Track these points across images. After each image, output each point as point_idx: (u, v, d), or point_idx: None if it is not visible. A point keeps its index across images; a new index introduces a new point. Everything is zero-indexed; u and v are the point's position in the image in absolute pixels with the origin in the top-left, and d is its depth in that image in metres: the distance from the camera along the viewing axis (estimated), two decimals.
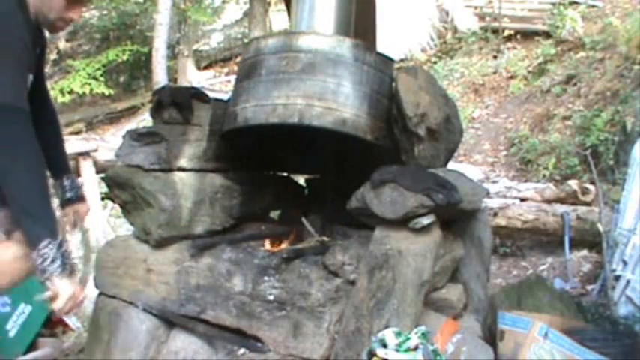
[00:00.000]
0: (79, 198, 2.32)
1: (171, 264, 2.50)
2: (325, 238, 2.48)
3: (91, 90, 10.29)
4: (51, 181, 2.11)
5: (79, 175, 5.68)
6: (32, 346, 3.43)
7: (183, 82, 10.75)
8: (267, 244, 2.52)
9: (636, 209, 3.51)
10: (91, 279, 2.79)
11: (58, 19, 1.88)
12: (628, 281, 3.38)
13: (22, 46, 1.72)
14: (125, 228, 4.79)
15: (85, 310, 3.77)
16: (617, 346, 2.64)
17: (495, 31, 8.71)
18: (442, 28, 9.46)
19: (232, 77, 6.02)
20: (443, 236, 2.26)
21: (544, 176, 5.70)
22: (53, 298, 1.70)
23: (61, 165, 2.24)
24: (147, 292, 2.53)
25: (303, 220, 2.57)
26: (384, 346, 1.96)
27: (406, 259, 2.10)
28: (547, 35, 8.12)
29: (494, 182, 5.64)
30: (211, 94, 2.82)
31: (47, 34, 2.02)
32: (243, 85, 2.48)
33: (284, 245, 2.53)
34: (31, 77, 1.87)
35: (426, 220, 2.14)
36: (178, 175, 2.52)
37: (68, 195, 2.26)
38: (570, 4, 8.13)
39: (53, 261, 1.67)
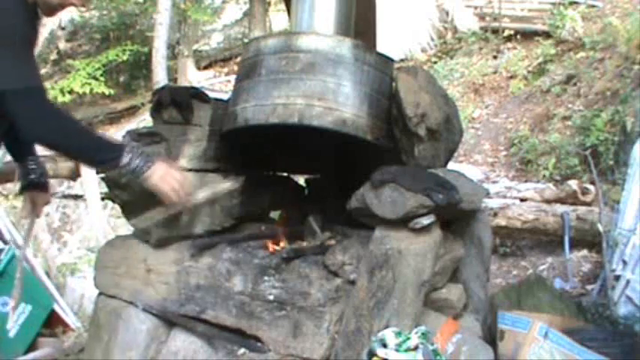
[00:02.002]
0: (41, 184, 2.36)
1: (171, 264, 2.50)
2: (329, 236, 2.48)
3: (91, 90, 10.29)
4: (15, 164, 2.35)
5: (78, 175, 5.69)
6: (32, 346, 3.43)
7: (183, 82, 10.74)
8: (268, 245, 2.51)
9: (636, 209, 3.51)
10: (91, 279, 2.79)
11: (59, 4, 1.90)
12: (628, 281, 3.38)
13: (27, 32, 1.86)
14: (125, 228, 4.79)
15: (85, 310, 3.78)
16: (617, 346, 2.64)
17: (495, 31, 8.71)
18: (442, 28, 9.46)
19: (232, 77, 6.03)
20: (443, 236, 2.26)
21: (544, 176, 5.70)
22: (160, 182, 2.06)
23: (24, 146, 2.30)
24: (147, 292, 2.53)
25: (310, 219, 2.57)
26: (384, 346, 1.96)
27: (406, 259, 2.10)
28: (547, 35, 8.12)
29: (494, 182, 5.64)
30: (211, 94, 2.82)
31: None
32: (243, 85, 2.48)
33: (283, 244, 2.52)
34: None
35: (426, 220, 2.14)
36: None
37: (31, 176, 2.32)
38: (570, 4, 8.13)
39: (139, 158, 2.02)
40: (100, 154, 2.01)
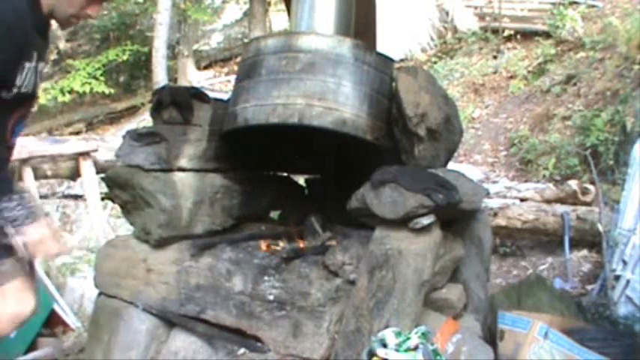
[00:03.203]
0: (33, 216, 1.99)
1: (172, 264, 2.50)
2: (330, 236, 2.48)
3: (91, 89, 10.30)
4: None
5: (78, 175, 5.70)
6: (32, 346, 3.43)
7: (183, 82, 10.75)
8: (264, 246, 2.52)
9: (636, 209, 3.51)
10: (91, 279, 2.79)
11: (74, 15, 1.89)
12: (628, 281, 3.38)
13: (23, 39, 1.73)
14: (125, 228, 4.79)
15: (85, 310, 3.77)
16: (617, 346, 2.64)
17: (495, 31, 8.71)
18: (442, 28, 9.47)
19: (232, 77, 6.02)
20: (443, 236, 2.26)
21: (544, 176, 5.70)
22: (28, 245, 1.76)
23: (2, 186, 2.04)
24: (147, 292, 2.53)
25: (312, 219, 2.57)
26: (384, 346, 1.96)
27: (406, 259, 2.10)
28: (547, 35, 8.12)
29: (494, 182, 5.64)
30: (211, 94, 2.82)
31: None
32: (243, 85, 2.48)
33: (283, 244, 2.52)
34: (42, 65, 1.88)
35: (426, 220, 2.14)
36: (178, 175, 2.52)
37: (17, 213, 1.95)
38: (570, 4, 8.13)
39: (17, 208, 1.73)
40: None
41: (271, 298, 2.25)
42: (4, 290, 1.80)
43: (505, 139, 6.77)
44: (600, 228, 3.84)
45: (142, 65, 11.63)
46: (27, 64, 1.81)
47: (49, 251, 1.83)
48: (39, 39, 1.85)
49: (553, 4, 8.36)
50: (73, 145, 5.69)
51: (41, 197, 5.66)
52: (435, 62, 8.91)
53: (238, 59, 8.26)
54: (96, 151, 5.60)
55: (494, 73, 8.11)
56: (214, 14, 12.68)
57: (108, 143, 5.94)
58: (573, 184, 4.98)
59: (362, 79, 2.39)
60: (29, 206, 1.77)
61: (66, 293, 4.08)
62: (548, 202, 4.86)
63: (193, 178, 2.55)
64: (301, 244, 2.52)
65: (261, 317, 2.25)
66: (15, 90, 1.76)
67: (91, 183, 5.52)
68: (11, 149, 1.90)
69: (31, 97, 1.88)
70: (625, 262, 3.46)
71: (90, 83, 10.25)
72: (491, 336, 2.60)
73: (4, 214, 1.73)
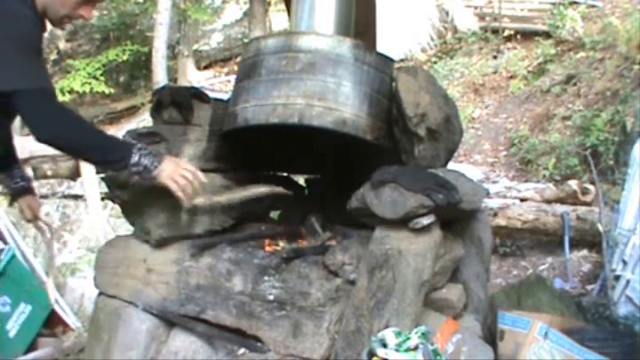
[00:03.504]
0: (31, 189, 2.42)
1: (172, 264, 2.50)
2: (330, 236, 2.48)
3: (91, 89, 10.30)
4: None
5: (78, 175, 5.69)
6: (32, 346, 3.43)
7: (183, 82, 10.75)
8: (267, 243, 2.51)
9: (636, 209, 3.51)
10: (91, 279, 2.79)
11: (67, 15, 1.90)
12: (628, 281, 3.38)
13: (38, 40, 1.90)
14: (125, 228, 4.79)
15: (85, 310, 3.78)
16: (617, 346, 2.64)
17: (495, 31, 8.71)
18: (442, 28, 9.47)
19: (232, 77, 6.02)
20: (443, 236, 2.26)
21: (544, 176, 5.70)
22: (169, 180, 2.07)
23: (9, 157, 2.35)
24: (147, 292, 2.53)
25: (312, 219, 2.57)
26: (384, 346, 1.96)
27: (406, 259, 2.10)
28: (547, 35, 8.12)
29: (494, 182, 5.64)
30: (211, 94, 2.82)
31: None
32: (243, 85, 2.48)
33: (283, 244, 2.52)
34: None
35: (426, 220, 2.14)
36: None
37: (21, 183, 2.36)
38: (570, 4, 8.14)
39: (147, 157, 2.02)
40: (109, 155, 2.02)
41: (271, 298, 2.25)
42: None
43: (505, 139, 6.78)
44: (600, 228, 3.84)
45: (142, 65, 11.63)
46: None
47: (187, 177, 2.10)
48: (40, 40, 1.89)
49: (553, 4, 8.36)
50: None
51: (41, 197, 5.66)
52: (435, 62, 8.91)
53: (238, 59, 8.26)
54: None
55: (494, 73, 8.11)
56: (214, 14, 12.68)
57: None
58: (573, 184, 4.98)
59: (362, 79, 2.39)
60: (148, 152, 2.04)
61: (66, 293, 4.08)
62: (548, 202, 4.86)
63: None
64: (301, 244, 2.52)
65: (261, 317, 2.25)
66: None
67: (91, 183, 5.52)
68: None
69: None
70: (625, 262, 3.46)
71: (90, 83, 10.26)
72: (491, 336, 2.60)
73: (133, 169, 2.01)
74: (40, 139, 1.98)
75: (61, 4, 1.86)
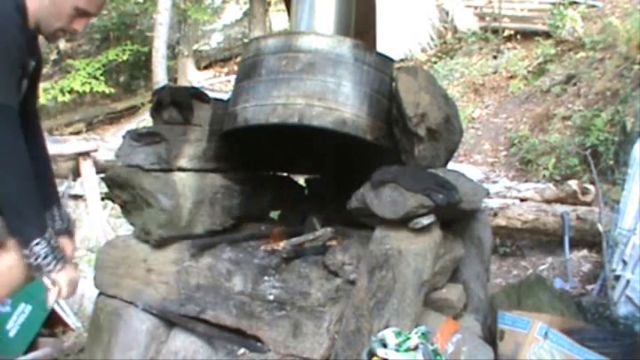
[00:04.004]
0: (68, 231, 2.17)
1: (171, 264, 2.50)
2: (330, 236, 2.47)
3: (91, 89, 10.30)
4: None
5: (78, 175, 5.69)
6: (32, 346, 3.43)
7: (183, 82, 10.74)
8: (275, 237, 2.51)
9: (636, 209, 3.50)
10: (91, 279, 2.79)
11: (60, 29, 1.86)
12: (628, 281, 3.37)
13: (16, 47, 1.70)
14: (125, 228, 4.79)
15: (85, 310, 3.77)
16: (617, 346, 2.64)
17: (495, 31, 8.71)
18: (442, 28, 9.46)
19: (232, 77, 6.02)
20: (443, 236, 2.26)
21: (544, 176, 5.69)
22: (53, 291, 1.79)
23: (50, 195, 2.10)
24: (147, 292, 2.53)
25: (313, 219, 2.57)
26: (384, 346, 1.96)
27: (406, 259, 2.10)
28: (547, 35, 8.12)
29: (494, 182, 5.64)
30: (211, 94, 2.82)
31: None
32: (243, 85, 2.48)
33: (283, 244, 2.52)
34: (25, 83, 1.84)
35: (426, 220, 2.14)
36: (178, 175, 2.52)
37: (58, 225, 2.09)
38: (570, 4, 8.13)
39: (46, 257, 1.73)
40: (19, 221, 1.71)
41: (271, 298, 2.25)
42: None
43: (505, 139, 6.77)
44: (600, 228, 3.84)
45: (142, 65, 11.62)
46: (24, 82, 1.80)
47: (72, 294, 1.86)
48: (26, 55, 1.83)
49: (553, 4, 8.36)
50: (73, 145, 5.68)
51: None
52: (435, 62, 8.91)
53: (238, 59, 8.26)
54: (96, 151, 5.60)
55: (494, 73, 8.11)
56: (214, 14, 12.67)
57: (108, 143, 5.94)
58: (573, 184, 4.98)
59: (362, 79, 2.39)
60: (53, 251, 1.75)
61: None
62: (548, 202, 4.86)
63: (193, 178, 2.55)
64: (301, 244, 2.51)
65: (261, 317, 2.25)
66: None
67: (91, 183, 5.52)
68: None
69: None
70: (625, 262, 3.46)
71: (90, 83, 10.25)
72: (491, 336, 2.60)
73: (28, 255, 1.72)
74: None
75: (55, 19, 1.81)
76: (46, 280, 1.77)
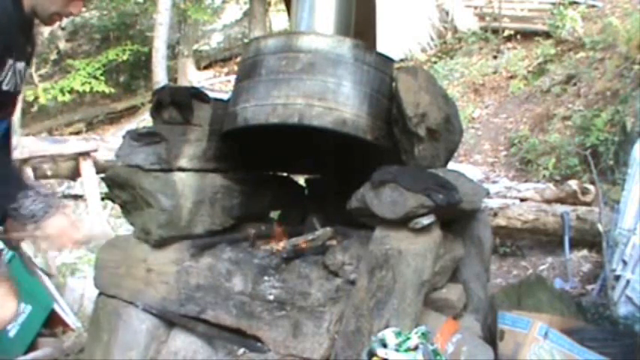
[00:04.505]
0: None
1: (171, 264, 2.50)
2: (330, 235, 2.47)
3: (92, 89, 10.30)
4: None
5: (78, 175, 5.70)
6: (32, 346, 3.43)
7: (183, 82, 10.74)
8: (268, 244, 2.51)
9: (636, 209, 3.50)
10: (91, 279, 2.79)
11: (56, 12, 1.88)
12: (628, 281, 3.37)
13: (6, 32, 1.73)
14: (125, 228, 4.79)
15: (85, 310, 3.77)
16: (617, 346, 2.64)
17: (495, 31, 8.71)
18: (442, 28, 9.46)
19: (232, 77, 6.03)
20: (443, 236, 2.26)
21: (544, 176, 5.70)
22: (48, 238, 1.81)
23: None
24: (147, 292, 2.53)
25: (313, 219, 2.57)
26: (384, 346, 1.96)
27: (406, 259, 2.10)
28: (547, 35, 8.12)
29: (494, 182, 5.64)
30: (211, 94, 2.82)
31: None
32: (243, 85, 2.48)
33: (283, 244, 2.52)
34: (22, 65, 1.87)
35: (426, 220, 2.14)
36: (178, 175, 2.52)
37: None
38: (570, 4, 8.14)
39: (34, 205, 1.76)
40: (2, 184, 1.79)
41: (271, 298, 2.25)
42: None
43: (505, 139, 6.77)
44: (600, 228, 3.84)
45: (142, 65, 11.62)
46: (9, 61, 1.80)
47: (69, 242, 1.86)
48: (21, 37, 1.84)
49: (553, 4, 8.36)
50: (73, 145, 5.69)
51: None
52: (435, 62, 8.91)
53: (238, 59, 8.26)
54: (96, 151, 5.61)
55: (494, 73, 8.11)
56: (214, 14, 12.66)
57: (108, 143, 5.95)
58: (573, 184, 4.98)
59: (362, 79, 2.39)
60: (45, 199, 1.79)
61: (66, 293, 4.08)
62: (548, 202, 4.86)
63: (193, 178, 2.55)
64: (301, 244, 2.51)
65: (261, 317, 2.25)
66: None
67: (91, 183, 5.52)
68: None
69: (13, 95, 1.87)
70: (625, 262, 3.46)
71: (90, 83, 10.25)
72: (491, 336, 2.60)
73: (21, 212, 1.75)
74: None
75: (50, 2, 1.84)
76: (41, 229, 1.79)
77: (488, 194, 3.11)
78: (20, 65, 1.86)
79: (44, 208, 1.78)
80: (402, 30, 8.81)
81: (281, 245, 2.49)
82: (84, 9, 2.10)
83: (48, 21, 1.92)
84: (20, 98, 1.95)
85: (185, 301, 2.44)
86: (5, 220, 1.98)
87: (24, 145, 5.25)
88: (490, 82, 7.98)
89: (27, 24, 1.88)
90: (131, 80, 12.20)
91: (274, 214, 3.13)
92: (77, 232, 1.87)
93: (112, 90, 10.64)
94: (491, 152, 6.70)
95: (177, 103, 2.58)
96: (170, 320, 2.50)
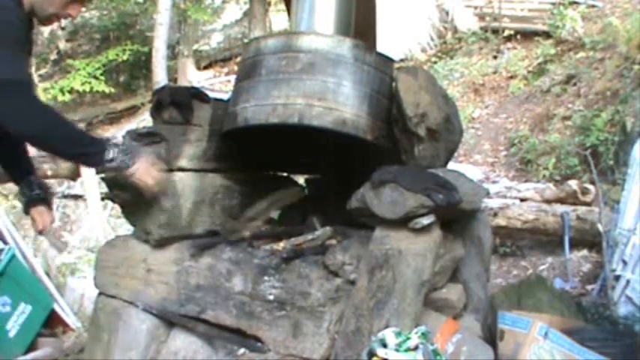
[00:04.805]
0: (45, 200, 2.35)
1: (171, 264, 2.50)
2: (329, 235, 2.47)
3: (92, 88, 10.30)
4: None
5: (78, 175, 5.70)
6: (32, 346, 3.43)
7: (183, 82, 10.74)
8: (267, 244, 2.51)
9: (636, 209, 3.50)
10: (91, 279, 2.79)
11: (54, 14, 1.88)
12: (628, 281, 3.38)
13: (20, 33, 1.85)
14: (125, 228, 4.79)
15: (85, 310, 3.78)
16: (617, 346, 2.64)
17: (495, 31, 8.71)
18: (442, 28, 9.46)
19: (232, 77, 6.03)
20: (443, 236, 2.26)
21: (544, 176, 5.69)
22: (143, 177, 2.16)
23: (27, 165, 2.33)
24: (147, 292, 2.53)
25: (313, 219, 2.57)
26: (384, 346, 1.96)
27: (406, 259, 2.10)
28: (547, 35, 8.12)
29: (494, 182, 5.64)
30: (211, 94, 2.82)
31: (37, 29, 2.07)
32: (243, 85, 2.48)
33: (283, 244, 2.52)
34: (30, 61, 1.98)
35: (426, 220, 2.14)
36: (178, 175, 2.52)
37: (36, 191, 2.32)
38: (570, 4, 8.14)
39: (123, 154, 2.07)
40: (85, 148, 2.03)
41: (271, 298, 2.25)
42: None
43: (505, 139, 6.77)
44: (600, 228, 3.84)
45: (142, 65, 11.62)
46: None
47: (155, 177, 2.21)
48: (25, 38, 1.87)
49: (553, 4, 8.36)
50: None
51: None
52: (435, 62, 8.91)
53: (238, 59, 8.26)
54: None
55: (494, 73, 8.11)
56: (214, 14, 12.66)
57: None
58: (573, 184, 4.98)
59: (362, 79, 2.39)
60: (124, 149, 2.09)
61: (66, 293, 4.08)
62: (548, 202, 4.86)
63: (193, 178, 2.55)
64: (301, 244, 2.51)
65: (261, 317, 2.25)
66: None
67: (91, 183, 5.52)
68: None
69: None
70: (625, 262, 3.46)
71: (90, 83, 10.25)
72: (492, 336, 2.60)
73: (108, 165, 2.05)
74: (16, 132, 1.94)
75: (49, 3, 1.85)
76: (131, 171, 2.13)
77: (488, 194, 3.11)
78: (30, 62, 1.93)
79: (129, 156, 2.09)
80: (402, 30, 8.81)
81: (281, 245, 2.48)
82: (83, 9, 2.18)
83: (45, 22, 1.93)
84: None
85: (185, 301, 2.44)
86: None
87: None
88: (490, 82, 7.98)
89: (27, 24, 1.89)
90: (131, 80, 12.20)
91: (274, 214, 3.13)
92: (156, 171, 2.22)
93: (112, 90, 10.64)
94: (491, 152, 6.70)
95: (177, 103, 2.58)
96: (170, 320, 2.50)
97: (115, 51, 11.05)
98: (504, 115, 7.27)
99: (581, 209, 4.61)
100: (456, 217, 2.46)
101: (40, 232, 2.39)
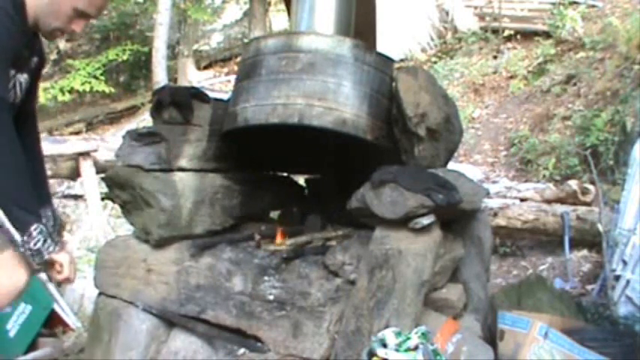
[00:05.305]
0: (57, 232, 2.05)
1: (171, 264, 2.50)
2: (329, 235, 2.48)
3: (92, 88, 10.30)
4: None
5: (78, 175, 5.69)
6: (32, 346, 3.43)
7: (183, 82, 10.74)
8: (265, 243, 2.51)
9: (636, 209, 3.50)
10: (91, 279, 2.79)
11: (58, 28, 1.86)
12: (628, 281, 3.37)
13: (7, 37, 1.71)
14: (125, 228, 4.79)
15: (85, 310, 3.77)
16: (617, 346, 2.64)
17: (495, 31, 8.71)
18: (442, 28, 9.46)
19: (232, 77, 6.03)
20: (443, 236, 2.26)
21: (544, 176, 5.69)
22: (58, 271, 1.85)
23: (43, 196, 2.07)
24: (147, 292, 2.53)
25: (314, 219, 2.57)
26: (384, 346, 1.96)
27: (406, 259, 2.10)
28: (547, 35, 8.12)
29: (494, 182, 5.64)
30: (211, 94, 2.82)
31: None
32: (243, 85, 2.48)
33: (283, 243, 2.52)
34: (25, 77, 1.86)
35: (426, 220, 2.14)
36: (178, 175, 2.52)
37: (49, 225, 1.97)
38: (570, 4, 8.14)
39: (45, 241, 1.78)
40: (19, 198, 1.72)
41: (271, 298, 2.25)
42: None
43: (505, 139, 6.77)
44: (600, 228, 3.84)
45: (142, 65, 11.63)
46: (12, 72, 1.79)
47: (70, 277, 1.89)
48: (24, 50, 1.83)
49: (553, 4, 8.36)
50: (73, 145, 5.68)
51: None
52: (435, 62, 8.91)
53: (238, 59, 8.26)
54: (96, 151, 5.60)
55: (494, 73, 8.11)
56: (214, 14, 12.67)
57: (108, 143, 5.94)
58: (573, 184, 4.98)
59: (362, 79, 2.39)
60: (49, 235, 1.80)
61: (66, 293, 4.08)
62: (548, 202, 4.86)
63: (193, 178, 2.55)
64: (301, 244, 2.51)
65: (261, 317, 2.25)
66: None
67: (91, 183, 5.52)
68: None
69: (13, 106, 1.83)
70: (625, 262, 3.46)
71: (90, 83, 10.26)
72: (492, 336, 2.60)
73: (31, 246, 1.75)
74: None
75: (54, 18, 1.82)
76: (43, 276, 1.84)
77: (488, 194, 3.11)
78: (22, 77, 1.85)
79: (50, 245, 1.79)
80: (402, 30, 8.82)
81: (281, 245, 2.49)
82: (104, 11, 2.05)
83: (49, 36, 1.91)
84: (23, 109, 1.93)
85: (185, 301, 2.44)
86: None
87: None
88: (490, 82, 7.98)
89: (31, 37, 1.87)
90: (131, 80, 12.21)
91: (274, 214, 3.13)
92: (74, 271, 1.90)
93: (112, 90, 10.64)
94: (491, 152, 6.70)
95: (177, 103, 2.58)
96: (170, 320, 2.51)
97: (115, 51, 11.06)
98: (504, 115, 7.27)
99: (581, 209, 4.61)
100: (456, 217, 2.46)
101: (66, 281, 1.99)
